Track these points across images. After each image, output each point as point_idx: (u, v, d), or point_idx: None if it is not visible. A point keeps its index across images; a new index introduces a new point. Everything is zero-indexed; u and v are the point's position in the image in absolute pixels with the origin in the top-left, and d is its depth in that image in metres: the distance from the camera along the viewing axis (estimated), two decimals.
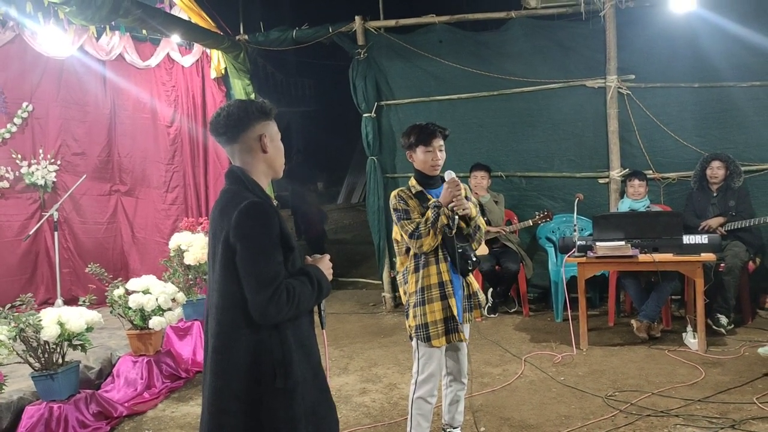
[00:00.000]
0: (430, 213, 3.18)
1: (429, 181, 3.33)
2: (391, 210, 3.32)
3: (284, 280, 2.06)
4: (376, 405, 4.39)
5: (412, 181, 3.38)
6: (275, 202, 2.21)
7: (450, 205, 3.17)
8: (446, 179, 3.26)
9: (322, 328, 2.33)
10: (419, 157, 3.29)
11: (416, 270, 3.28)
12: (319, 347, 2.30)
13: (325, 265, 2.29)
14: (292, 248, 2.14)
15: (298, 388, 2.11)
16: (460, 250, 3.24)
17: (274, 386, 2.07)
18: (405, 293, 3.38)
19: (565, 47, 6.45)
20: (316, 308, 2.31)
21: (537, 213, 6.26)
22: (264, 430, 2.08)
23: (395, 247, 3.42)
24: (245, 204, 2.07)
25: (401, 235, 3.30)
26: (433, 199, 3.25)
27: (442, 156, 3.30)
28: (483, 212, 6.23)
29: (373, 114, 6.86)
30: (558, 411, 4.10)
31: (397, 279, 3.46)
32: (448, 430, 3.59)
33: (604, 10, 6.15)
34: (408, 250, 3.31)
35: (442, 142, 3.30)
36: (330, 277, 2.29)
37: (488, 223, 6.24)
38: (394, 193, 3.34)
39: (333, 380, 4.83)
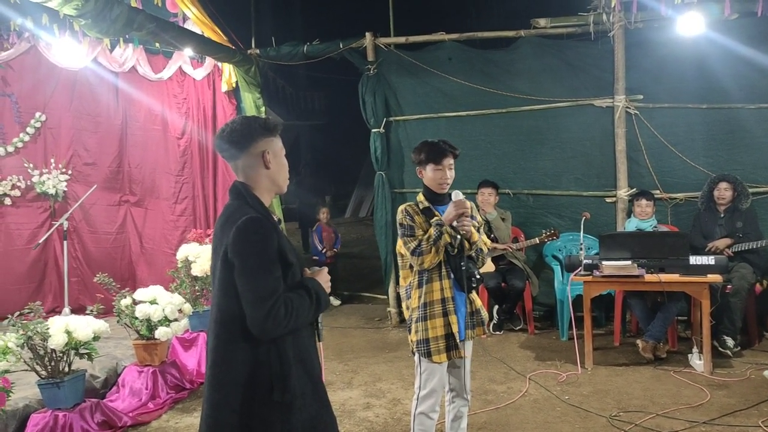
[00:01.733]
0: (432, 230, 3.21)
1: (437, 198, 3.36)
2: (397, 224, 3.34)
3: (282, 295, 2.08)
4: (379, 420, 4.39)
5: (420, 197, 3.40)
6: (277, 218, 2.24)
7: (453, 224, 3.20)
8: (453, 199, 3.29)
9: (319, 341, 2.35)
10: (429, 174, 3.32)
11: (419, 285, 3.30)
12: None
13: (323, 278, 2.31)
14: (290, 264, 2.15)
15: (296, 401, 2.12)
16: (463, 267, 3.25)
17: (271, 399, 2.09)
18: (408, 308, 3.40)
19: (573, 66, 6.49)
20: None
21: (544, 231, 6.26)
22: None
23: (399, 261, 3.44)
24: (243, 220, 2.09)
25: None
26: (437, 216, 3.28)
27: (451, 175, 3.32)
28: (490, 229, 6.24)
29: (382, 129, 6.91)
30: (562, 430, 4.09)
31: (401, 293, 3.48)
32: None
33: (613, 31, 6.19)
34: (412, 265, 3.33)
35: (452, 161, 3.32)
36: (328, 290, 2.31)
37: (495, 240, 6.25)
38: (401, 207, 3.37)
39: (337, 394, 4.84)
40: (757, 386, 4.67)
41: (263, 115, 2.14)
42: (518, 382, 4.98)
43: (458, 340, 3.27)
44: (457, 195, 3.34)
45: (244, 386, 2.09)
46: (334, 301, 8.01)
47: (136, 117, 7.31)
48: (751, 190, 5.86)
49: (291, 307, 2.08)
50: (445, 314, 3.25)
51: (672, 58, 6.16)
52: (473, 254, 3.33)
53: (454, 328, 3.25)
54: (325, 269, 2.38)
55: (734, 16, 5.90)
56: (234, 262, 2.07)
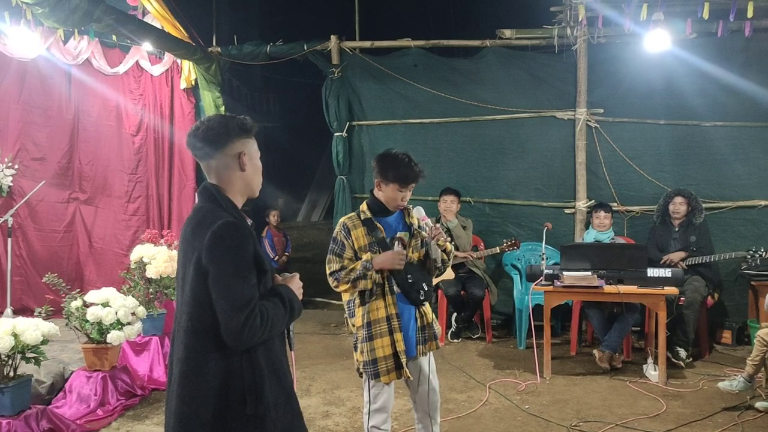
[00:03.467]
0: (359, 266, 3.09)
1: (383, 210, 3.22)
2: (331, 239, 3.22)
3: (257, 303, 1.98)
4: (339, 429, 4.30)
5: (364, 207, 3.25)
6: (250, 222, 2.14)
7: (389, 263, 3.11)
8: (416, 215, 3.23)
9: (290, 349, 2.26)
10: (388, 192, 3.17)
11: (362, 303, 3.17)
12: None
13: (296, 284, 2.22)
14: (265, 271, 2.07)
15: (269, 413, 2.03)
16: (410, 280, 3.15)
17: (244, 412, 1.99)
18: (353, 326, 3.25)
19: (537, 78, 6.57)
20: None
21: (505, 240, 6.29)
22: None
23: None
24: (219, 224, 1.99)
25: None
26: (366, 256, 3.13)
27: (409, 196, 3.22)
28: (451, 237, 6.23)
29: (344, 133, 6.84)
30: None
31: (345, 309, 3.32)
32: None
33: (576, 45, 6.29)
34: None
35: (414, 184, 3.21)
36: (300, 297, 2.22)
37: (456, 248, 6.25)
38: (341, 220, 3.24)
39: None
40: (709, 397, 4.77)
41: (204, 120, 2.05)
42: (478, 391, 4.97)
43: (404, 359, 3.14)
44: (419, 211, 3.28)
45: (216, 399, 1.99)
46: None
47: (90, 112, 7.04)
48: (704, 206, 6.02)
49: (266, 316, 1.99)
50: (391, 332, 3.13)
51: (633, 73, 6.30)
52: (434, 265, 3.25)
53: (399, 347, 3.13)
54: (297, 275, 2.28)
55: (693, 36, 6.07)
56: (209, 268, 1.97)
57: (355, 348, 3.23)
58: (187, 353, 2.02)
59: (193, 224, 2.08)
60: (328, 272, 3.17)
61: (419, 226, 3.27)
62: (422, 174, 3.19)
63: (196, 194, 2.22)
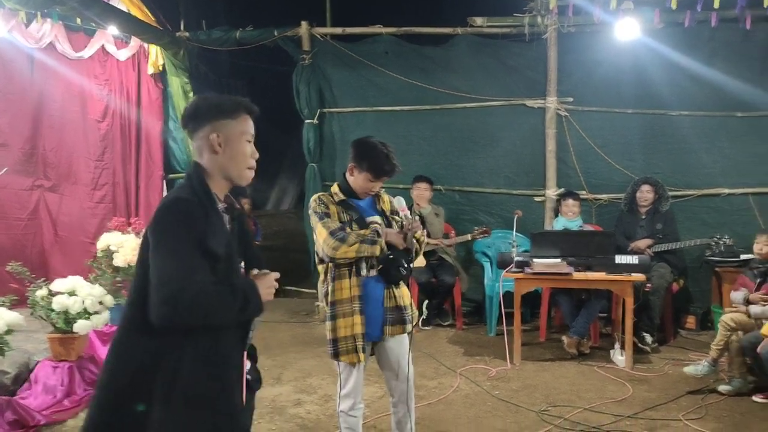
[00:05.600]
0: (368, 233, 3.06)
1: (354, 194, 3.19)
2: (311, 212, 3.13)
3: (195, 284, 1.87)
4: (311, 416, 4.30)
5: (336, 189, 3.20)
6: (240, 206, 2.07)
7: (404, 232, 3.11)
8: (397, 206, 3.21)
9: (243, 349, 2.13)
10: (359, 180, 3.13)
11: (332, 281, 3.14)
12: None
13: (266, 283, 2.10)
14: (216, 255, 1.95)
15: (188, 404, 1.92)
16: (391, 257, 3.10)
17: (160, 396, 1.90)
18: (325, 306, 3.24)
19: (508, 66, 6.60)
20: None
21: (476, 228, 6.32)
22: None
23: (316, 258, 3.24)
24: (170, 198, 1.98)
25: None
26: (377, 224, 3.13)
27: (379, 186, 3.19)
28: (423, 224, 6.24)
29: (315, 121, 6.79)
30: (493, 425, 4.13)
31: (319, 290, 3.32)
32: None
33: (547, 33, 6.33)
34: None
35: (387, 178, 3.18)
36: (268, 297, 2.09)
37: (428, 235, 6.26)
38: (315, 196, 3.19)
39: (267, 390, 4.70)
40: (674, 381, 4.87)
41: (191, 100, 1.97)
42: (449, 378, 5.01)
43: (360, 342, 3.10)
44: (400, 202, 3.24)
45: (131, 374, 1.92)
46: None
47: (54, 97, 6.86)
48: (670, 194, 6.12)
49: (200, 298, 1.87)
50: (353, 314, 3.11)
51: (602, 62, 6.37)
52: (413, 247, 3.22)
53: (357, 329, 3.09)
54: (272, 275, 2.15)
55: (661, 26, 6.15)
56: (151, 239, 1.93)
57: (326, 328, 3.22)
58: (122, 322, 2.00)
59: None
60: (325, 235, 3.02)
61: (392, 212, 3.25)
62: (398, 170, 3.16)
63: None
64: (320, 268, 3.23)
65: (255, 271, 2.15)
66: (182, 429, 1.95)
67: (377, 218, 3.21)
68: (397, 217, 3.26)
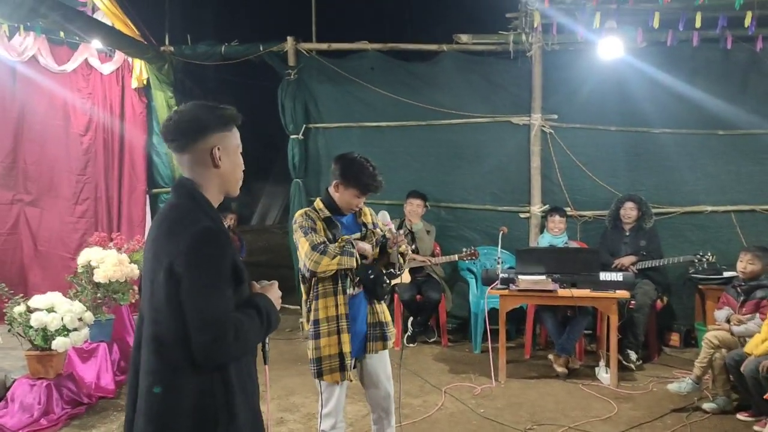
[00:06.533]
0: (344, 244, 3.07)
1: (337, 209, 3.19)
2: (297, 227, 3.12)
3: (235, 318, 1.85)
4: None
5: (320, 204, 3.20)
6: (229, 221, 2.02)
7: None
8: (381, 220, 3.23)
9: (265, 363, 2.13)
10: (345, 196, 3.13)
11: (315, 299, 3.13)
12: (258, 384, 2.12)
13: (274, 293, 2.08)
14: (242, 280, 1.94)
15: (244, 428, 1.91)
16: (372, 276, 3.13)
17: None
18: (307, 323, 3.23)
19: (493, 83, 6.64)
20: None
21: (465, 249, 6.29)
22: None
23: (300, 276, 3.23)
24: (199, 229, 1.84)
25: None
26: (347, 237, 3.13)
27: (362, 202, 3.21)
28: (413, 240, 6.22)
29: (300, 136, 6.77)
30: None
31: (303, 308, 3.29)
32: None
33: (531, 51, 6.37)
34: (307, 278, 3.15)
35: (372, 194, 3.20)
36: (279, 306, 2.07)
37: (416, 251, 6.24)
38: (301, 211, 3.19)
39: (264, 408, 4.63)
40: (659, 399, 4.87)
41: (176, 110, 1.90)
42: (434, 396, 4.97)
43: (349, 360, 3.10)
44: (385, 216, 3.27)
45: (186, 418, 1.84)
46: None
47: (36, 110, 6.78)
48: (654, 211, 6.15)
49: (241, 330, 1.84)
50: (339, 332, 3.09)
51: (586, 80, 6.42)
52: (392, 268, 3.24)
53: (345, 348, 3.09)
54: (276, 284, 2.13)
55: (644, 44, 6.22)
56: (183, 276, 1.81)
57: (307, 347, 3.20)
58: (158, 366, 1.86)
59: (168, 224, 1.92)
60: (308, 248, 3.02)
61: (374, 225, 3.26)
62: (382, 186, 3.18)
63: (171, 188, 2.05)
64: (303, 288, 3.21)
65: (259, 284, 2.10)
66: None
67: (356, 236, 3.22)
68: (377, 231, 3.28)
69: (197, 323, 1.80)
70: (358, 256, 3.08)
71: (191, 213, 1.91)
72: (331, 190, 3.18)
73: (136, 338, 1.98)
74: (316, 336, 3.11)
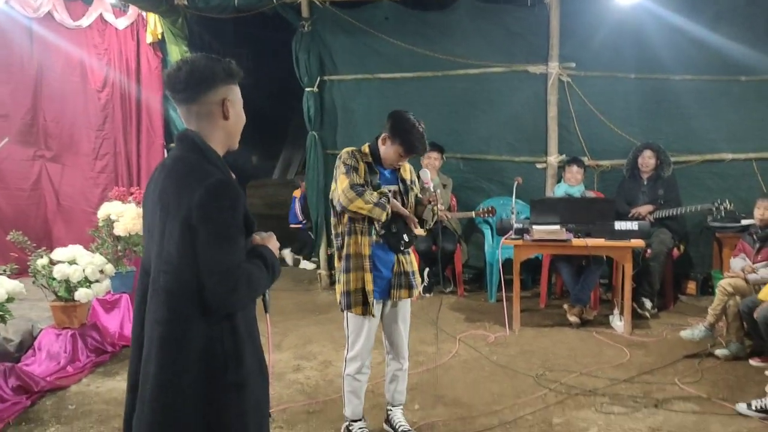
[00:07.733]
0: (381, 195, 3.19)
1: (380, 160, 3.31)
2: (340, 163, 3.24)
3: (247, 267, 1.91)
4: (310, 382, 4.36)
5: (366, 149, 3.32)
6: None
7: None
8: (422, 177, 3.36)
9: (266, 312, 2.19)
10: (390, 152, 3.24)
11: (349, 234, 3.27)
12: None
13: (274, 244, 2.13)
14: (252, 231, 2.00)
15: (248, 381, 1.97)
16: (394, 230, 3.25)
17: (225, 380, 1.92)
18: (338, 259, 3.36)
19: (509, 32, 6.50)
20: None
21: (482, 207, 6.29)
22: (214, 426, 1.93)
23: (332, 210, 3.33)
24: (213, 182, 1.86)
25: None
26: (386, 190, 3.25)
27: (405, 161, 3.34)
28: None
29: (315, 89, 6.75)
30: (490, 389, 4.18)
31: (334, 241, 3.40)
32: (389, 408, 3.60)
33: None
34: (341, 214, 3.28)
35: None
36: (278, 255, 2.13)
37: None
38: (348, 149, 3.30)
39: (266, 356, 4.75)
40: (672, 346, 4.89)
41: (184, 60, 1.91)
42: (448, 344, 5.05)
43: (371, 298, 3.25)
44: (426, 174, 3.41)
45: (198, 364, 1.89)
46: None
47: (53, 67, 6.86)
48: (672, 159, 6.07)
49: (252, 279, 1.92)
50: (362, 269, 3.25)
51: (606, 26, 6.24)
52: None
53: (368, 286, 3.24)
54: (273, 235, 2.18)
55: None
56: (198, 228, 1.84)
57: (338, 281, 3.34)
58: (171, 316, 1.90)
59: (178, 176, 1.92)
60: (346, 185, 3.13)
61: (411, 182, 3.38)
62: (426, 149, 3.35)
63: (175, 140, 2.06)
64: (333, 220, 3.35)
65: (259, 235, 2.13)
66: (254, 400, 2.00)
67: (393, 188, 3.34)
68: (415, 187, 3.42)
69: (213, 274, 1.84)
70: (390, 211, 3.18)
71: (201, 165, 1.92)
72: (380, 142, 3.29)
73: (139, 290, 2.01)
74: (347, 270, 3.26)
